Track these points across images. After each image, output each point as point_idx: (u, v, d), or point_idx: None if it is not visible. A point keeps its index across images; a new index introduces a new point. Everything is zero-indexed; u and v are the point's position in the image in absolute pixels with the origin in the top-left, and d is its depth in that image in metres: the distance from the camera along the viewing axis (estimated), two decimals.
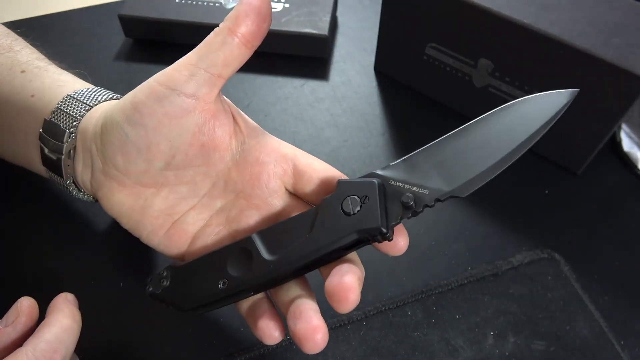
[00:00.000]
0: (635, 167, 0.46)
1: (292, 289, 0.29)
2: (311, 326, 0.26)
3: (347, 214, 0.27)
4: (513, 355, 0.36)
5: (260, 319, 0.28)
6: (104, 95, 0.34)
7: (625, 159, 0.47)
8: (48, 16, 0.58)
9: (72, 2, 0.61)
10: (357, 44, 0.57)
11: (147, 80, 0.30)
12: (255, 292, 0.29)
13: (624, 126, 0.48)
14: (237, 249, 0.29)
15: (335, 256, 0.28)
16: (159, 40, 0.56)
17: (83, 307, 0.30)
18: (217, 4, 0.55)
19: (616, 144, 0.48)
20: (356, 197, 0.27)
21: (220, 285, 0.28)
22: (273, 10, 0.54)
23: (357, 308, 0.37)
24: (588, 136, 0.43)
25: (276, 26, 0.53)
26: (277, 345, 0.36)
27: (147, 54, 0.55)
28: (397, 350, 0.36)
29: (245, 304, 0.31)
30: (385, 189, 0.28)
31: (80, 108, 0.32)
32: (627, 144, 0.47)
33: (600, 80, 0.39)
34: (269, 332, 0.28)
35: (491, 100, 0.46)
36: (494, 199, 0.44)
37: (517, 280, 0.39)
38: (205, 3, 0.55)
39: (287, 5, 0.55)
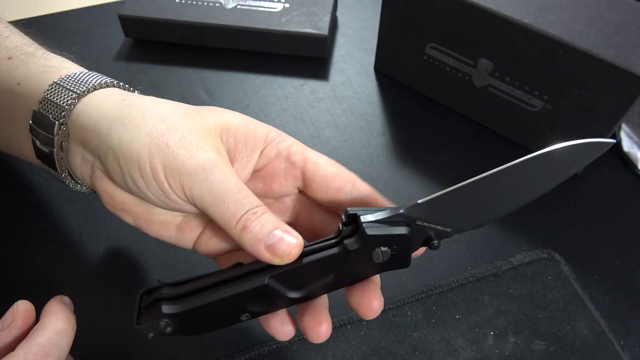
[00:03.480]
0: (635, 167, 0.46)
1: None
2: (316, 318, 0.28)
3: (376, 262, 0.27)
4: (513, 355, 0.36)
5: (271, 317, 0.29)
6: (91, 80, 0.31)
7: (625, 159, 0.47)
8: (48, 16, 0.58)
9: (72, 2, 0.61)
10: (357, 44, 0.57)
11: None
12: None
13: (624, 126, 0.48)
14: (252, 295, 0.27)
15: None
16: (159, 40, 0.56)
17: (82, 308, 0.30)
18: (217, 4, 0.55)
19: (616, 144, 0.48)
20: (387, 249, 0.27)
21: (244, 318, 0.28)
22: (273, 10, 0.54)
23: None
24: (588, 136, 0.42)
25: (276, 26, 0.53)
26: (276, 345, 0.36)
27: (147, 54, 0.55)
28: (397, 350, 0.36)
29: None
30: (411, 229, 0.27)
31: (67, 96, 0.30)
32: (627, 144, 0.47)
33: (600, 80, 0.39)
34: (282, 331, 0.29)
35: (491, 100, 0.46)
36: None
37: (517, 280, 0.39)
38: (205, 3, 0.55)
39: (287, 5, 0.55)
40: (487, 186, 0.27)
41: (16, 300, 0.28)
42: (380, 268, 0.28)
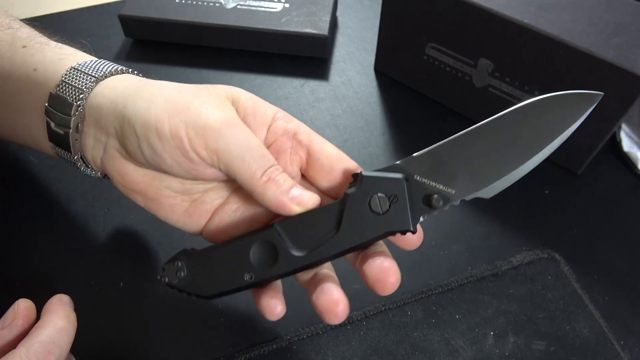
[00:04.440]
0: (635, 167, 0.46)
1: None
2: (332, 300, 0.28)
3: (376, 213, 0.27)
4: (513, 355, 0.36)
5: (262, 294, 0.29)
6: (108, 67, 0.33)
7: (625, 159, 0.47)
8: (48, 16, 0.58)
9: (72, 2, 0.61)
10: (357, 44, 0.57)
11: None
12: (277, 279, 0.30)
13: (624, 126, 0.48)
14: (260, 241, 0.29)
15: (361, 248, 0.29)
16: (159, 40, 0.56)
17: (83, 307, 0.30)
18: (217, 4, 0.55)
19: (616, 144, 0.48)
20: (384, 195, 0.27)
21: (247, 278, 0.29)
22: (273, 10, 0.54)
23: (357, 308, 0.38)
24: (588, 136, 0.43)
25: (276, 26, 0.53)
26: (276, 345, 0.36)
27: (147, 54, 0.55)
28: (397, 350, 0.36)
29: None
30: (409, 183, 0.28)
31: (86, 80, 0.31)
32: (627, 144, 0.47)
33: (600, 80, 0.39)
34: (270, 307, 0.29)
35: (491, 100, 0.46)
36: (494, 199, 0.44)
37: (517, 280, 0.39)
38: (205, 3, 0.55)
39: (287, 5, 0.55)
40: (482, 139, 0.28)
41: (17, 299, 0.28)
42: (383, 224, 0.28)
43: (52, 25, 0.57)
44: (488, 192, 0.28)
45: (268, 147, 0.32)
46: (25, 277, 0.39)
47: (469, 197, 0.28)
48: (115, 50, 0.55)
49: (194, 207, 0.32)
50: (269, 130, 0.31)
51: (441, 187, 0.28)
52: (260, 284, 0.29)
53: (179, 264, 0.30)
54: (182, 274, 0.29)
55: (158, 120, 0.28)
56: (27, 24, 0.39)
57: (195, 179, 0.30)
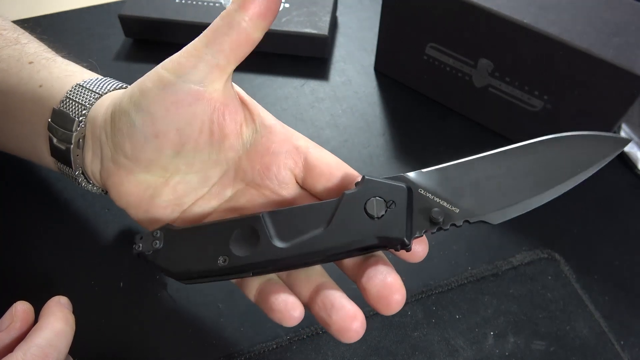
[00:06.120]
0: (635, 167, 0.46)
1: (312, 275, 0.28)
2: (349, 315, 0.25)
3: (370, 217, 0.26)
4: (513, 355, 0.36)
5: (274, 299, 0.27)
6: (113, 85, 0.33)
7: (625, 159, 0.47)
8: (48, 16, 0.58)
9: (72, 2, 0.61)
10: (357, 44, 0.57)
11: (155, 67, 0.29)
12: (255, 275, 0.28)
13: (624, 126, 0.48)
14: (242, 226, 0.27)
15: (350, 255, 0.27)
16: (159, 40, 0.56)
17: (82, 308, 0.30)
18: (217, 4, 0.55)
19: None
20: (382, 199, 0.26)
21: (220, 261, 0.27)
22: None
23: None
24: None
25: (276, 26, 0.53)
26: (276, 345, 0.36)
27: (147, 54, 0.55)
28: (397, 350, 0.36)
29: (253, 286, 0.29)
30: (412, 196, 0.26)
31: (90, 96, 0.32)
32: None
33: (600, 80, 0.39)
34: (289, 314, 0.26)
35: (491, 100, 0.46)
36: None
37: (517, 280, 0.39)
38: (205, 3, 0.55)
39: (287, 5, 0.55)
40: (495, 165, 0.26)
41: (15, 301, 0.28)
42: (375, 229, 0.26)
43: (52, 25, 0.57)
44: (495, 217, 0.26)
45: (260, 146, 0.31)
46: (24, 278, 0.39)
47: (473, 220, 0.26)
48: (115, 50, 0.55)
49: (182, 219, 0.32)
50: (271, 132, 0.31)
51: (445, 204, 0.26)
52: (234, 274, 0.27)
53: (157, 234, 0.28)
54: (158, 245, 0.28)
55: (141, 82, 0.29)
56: (35, 36, 0.39)
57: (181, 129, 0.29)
